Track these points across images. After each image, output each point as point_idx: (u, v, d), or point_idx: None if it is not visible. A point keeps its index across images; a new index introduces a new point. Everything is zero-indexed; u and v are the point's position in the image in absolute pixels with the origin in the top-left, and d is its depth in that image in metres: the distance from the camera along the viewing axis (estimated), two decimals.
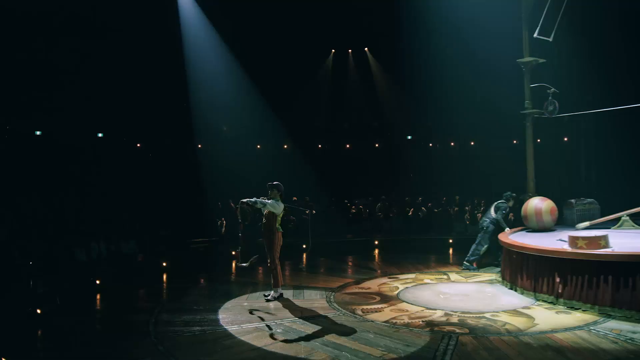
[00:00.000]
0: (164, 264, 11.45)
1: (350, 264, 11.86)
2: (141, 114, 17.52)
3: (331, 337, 6.35)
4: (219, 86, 17.62)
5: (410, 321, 7.01)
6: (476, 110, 19.71)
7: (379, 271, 10.67)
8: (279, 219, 8.42)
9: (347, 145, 23.51)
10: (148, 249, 12.89)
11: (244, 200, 8.10)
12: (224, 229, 16.05)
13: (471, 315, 7.21)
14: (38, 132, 18.44)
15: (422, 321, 7.01)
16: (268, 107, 18.66)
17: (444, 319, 7.11)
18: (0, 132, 18.12)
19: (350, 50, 20.47)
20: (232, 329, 6.77)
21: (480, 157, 21.25)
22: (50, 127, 17.74)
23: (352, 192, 19.85)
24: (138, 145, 20.07)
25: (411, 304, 7.93)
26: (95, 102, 17.40)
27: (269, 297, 8.22)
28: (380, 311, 7.57)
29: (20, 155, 16.52)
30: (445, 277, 9.92)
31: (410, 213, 16.92)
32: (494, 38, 17.34)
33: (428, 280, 9.58)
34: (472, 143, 23.15)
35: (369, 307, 7.81)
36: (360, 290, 8.92)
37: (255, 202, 8.04)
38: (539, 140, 21.57)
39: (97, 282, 9.57)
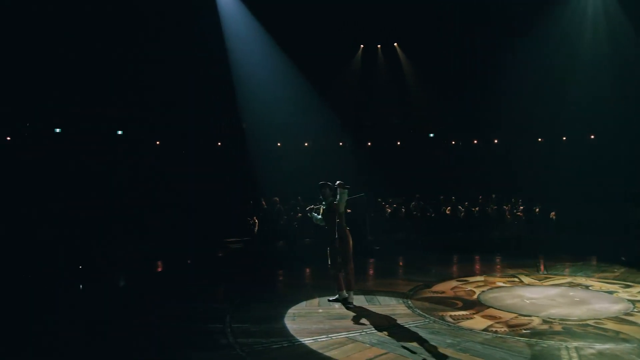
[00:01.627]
0: (208, 266, 10.89)
1: (404, 265, 11.25)
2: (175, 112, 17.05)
3: (439, 349, 5.78)
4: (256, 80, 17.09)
5: (511, 329, 6.44)
6: (502, 108, 19.22)
7: (442, 273, 10.06)
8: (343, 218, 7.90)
9: (369, 143, 22.97)
10: (184, 250, 12.34)
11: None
12: (256, 228, 15.49)
13: (573, 323, 6.65)
14: (58, 130, 18.10)
15: (525, 329, 6.43)
16: (299, 104, 18.15)
17: (545, 326, 6.54)
18: (21, 131, 17.70)
19: (379, 46, 19.85)
20: (322, 340, 6.18)
21: (504, 155, 20.86)
22: (70, 126, 17.38)
23: (382, 191, 19.18)
24: (157, 142, 19.63)
25: (500, 309, 7.36)
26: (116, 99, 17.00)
27: (351, 305, 7.62)
28: (471, 318, 6.99)
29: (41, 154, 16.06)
30: (516, 279, 9.35)
31: (448, 212, 16.37)
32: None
33: (500, 284, 9.02)
34: (496, 141, 22.64)
35: (456, 313, 7.23)
36: (436, 295, 8.34)
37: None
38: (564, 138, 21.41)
39: (142, 286, 9.03)
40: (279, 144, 21.62)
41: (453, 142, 23.38)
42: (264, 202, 16.57)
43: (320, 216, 7.94)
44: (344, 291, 7.83)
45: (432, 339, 6.12)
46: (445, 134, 22.94)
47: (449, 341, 6.06)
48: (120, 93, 17.15)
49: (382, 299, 8.14)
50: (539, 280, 9.23)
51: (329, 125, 20.45)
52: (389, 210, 16.48)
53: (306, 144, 21.90)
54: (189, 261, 11.31)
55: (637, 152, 17.04)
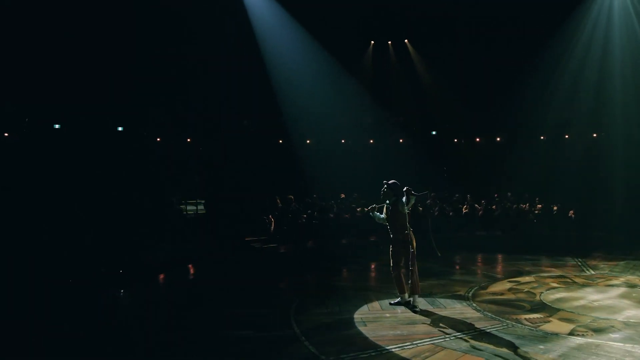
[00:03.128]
0: (241, 266, 10.55)
1: (445, 264, 10.81)
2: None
3: (536, 356, 5.54)
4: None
5: (598, 334, 6.23)
6: (508, 106, 19.14)
7: (487, 273, 9.89)
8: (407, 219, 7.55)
9: (371, 141, 22.67)
10: (212, 249, 11.94)
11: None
12: (272, 226, 15.15)
13: None
14: (57, 125, 17.71)
15: (613, 334, 6.22)
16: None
17: (631, 331, 6.34)
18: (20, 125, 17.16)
19: (390, 42, 19.57)
20: (408, 347, 5.86)
21: (508, 154, 20.74)
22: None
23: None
24: (158, 139, 19.28)
25: (572, 312, 7.16)
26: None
27: (417, 309, 7.31)
28: (549, 321, 6.76)
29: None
30: (568, 279, 9.18)
31: (465, 210, 16.23)
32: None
33: (554, 284, 8.83)
34: (498, 139, 22.58)
35: (529, 316, 7.00)
36: (496, 297, 8.10)
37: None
38: (567, 136, 21.46)
39: (183, 291, 8.62)
40: (280, 141, 21.35)
41: (455, 140, 23.22)
42: (278, 201, 16.22)
43: (384, 215, 7.61)
44: (406, 294, 7.54)
45: (523, 345, 5.87)
46: (448, 132, 22.74)
47: (541, 347, 5.81)
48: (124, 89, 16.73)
49: (443, 301, 7.86)
50: (592, 281, 9.06)
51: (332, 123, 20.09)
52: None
53: (308, 141, 21.57)
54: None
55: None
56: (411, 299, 7.48)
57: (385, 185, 7.54)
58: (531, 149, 20.16)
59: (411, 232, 7.49)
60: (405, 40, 19.57)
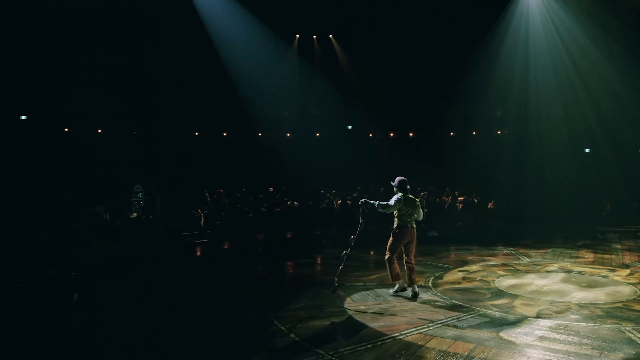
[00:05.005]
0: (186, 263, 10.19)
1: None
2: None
3: (525, 337, 5.90)
4: None
5: (561, 315, 6.79)
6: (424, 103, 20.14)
7: (435, 264, 10.27)
8: (400, 215, 7.80)
9: (287, 135, 22.84)
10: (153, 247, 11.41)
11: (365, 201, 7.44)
12: (202, 221, 14.79)
13: (608, 307, 7.16)
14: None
15: (574, 314, 6.82)
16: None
17: (587, 311, 6.97)
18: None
19: (315, 37, 19.72)
20: (398, 337, 6.02)
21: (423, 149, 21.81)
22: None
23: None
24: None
25: (530, 297, 7.74)
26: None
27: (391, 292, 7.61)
28: (513, 306, 7.26)
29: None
30: (512, 267, 9.85)
31: None
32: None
33: (501, 272, 9.45)
34: (411, 134, 23.67)
35: (495, 302, 7.47)
36: (456, 286, 8.52)
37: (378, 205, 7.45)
38: (474, 133, 22.95)
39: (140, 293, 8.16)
40: (196, 134, 21.00)
41: (370, 135, 23.97)
42: (207, 194, 15.87)
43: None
44: (401, 281, 7.92)
45: (503, 329, 6.25)
46: (362, 128, 23.40)
47: (519, 330, 6.24)
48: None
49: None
50: (532, 268, 9.80)
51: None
52: (340, 202, 16.51)
53: (225, 134, 21.28)
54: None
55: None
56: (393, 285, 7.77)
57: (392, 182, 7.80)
58: (442, 144, 21.37)
59: (408, 230, 7.75)
60: (330, 36, 19.79)
